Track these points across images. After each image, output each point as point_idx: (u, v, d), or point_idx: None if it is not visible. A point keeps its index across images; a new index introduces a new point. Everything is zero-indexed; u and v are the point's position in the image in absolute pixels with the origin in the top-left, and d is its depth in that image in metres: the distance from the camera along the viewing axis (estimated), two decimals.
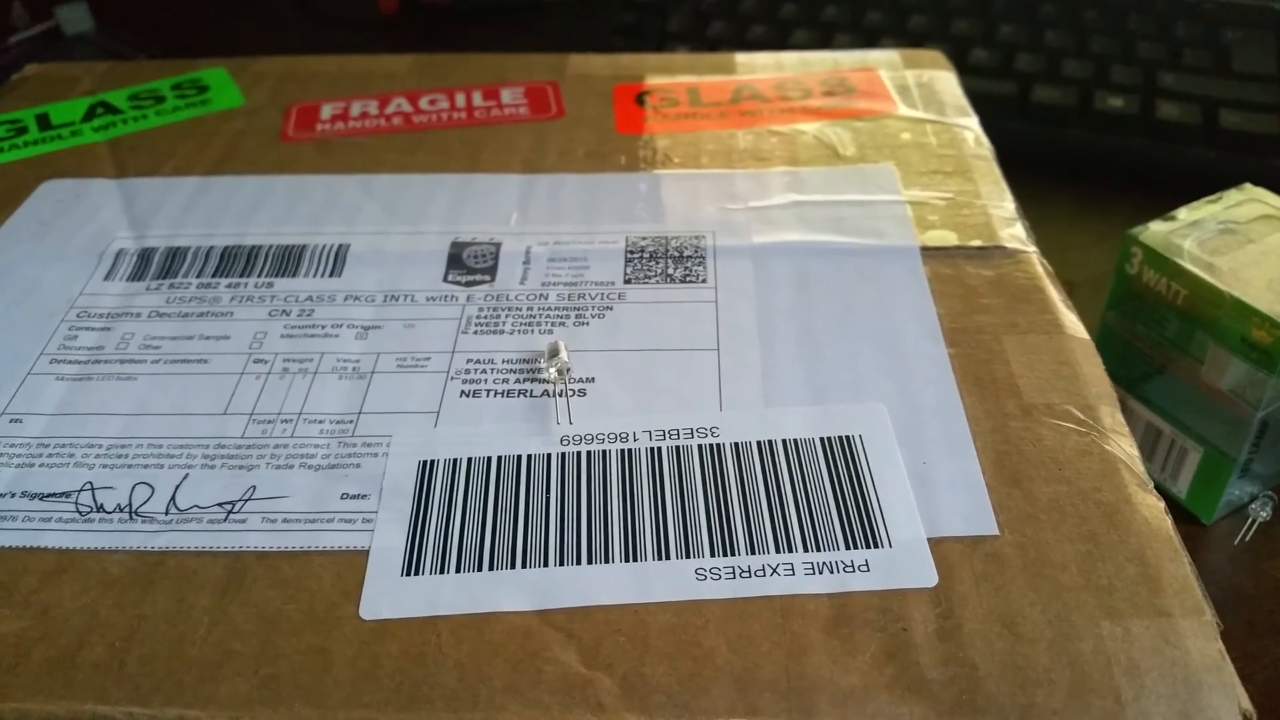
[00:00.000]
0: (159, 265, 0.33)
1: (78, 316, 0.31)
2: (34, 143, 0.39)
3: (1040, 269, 0.31)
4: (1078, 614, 0.22)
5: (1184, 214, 0.34)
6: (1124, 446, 0.26)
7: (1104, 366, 0.28)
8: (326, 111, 0.40)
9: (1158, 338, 0.34)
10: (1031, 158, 0.49)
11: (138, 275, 0.32)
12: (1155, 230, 0.33)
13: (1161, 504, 0.24)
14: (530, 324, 0.30)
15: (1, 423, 0.27)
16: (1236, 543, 0.34)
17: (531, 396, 0.28)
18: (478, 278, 0.32)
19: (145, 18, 0.70)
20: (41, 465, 0.26)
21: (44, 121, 0.40)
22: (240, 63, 0.43)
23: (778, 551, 0.24)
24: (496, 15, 0.67)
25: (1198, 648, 0.21)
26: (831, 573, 0.23)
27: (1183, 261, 0.32)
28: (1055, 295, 0.30)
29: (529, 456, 0.26)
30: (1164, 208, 0.34)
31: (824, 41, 0.56)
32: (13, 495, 0.26)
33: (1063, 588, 0.23)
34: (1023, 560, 0.23)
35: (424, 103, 0.40)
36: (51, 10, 0.66)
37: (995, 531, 0.24)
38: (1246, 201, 0.34)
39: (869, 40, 0.55)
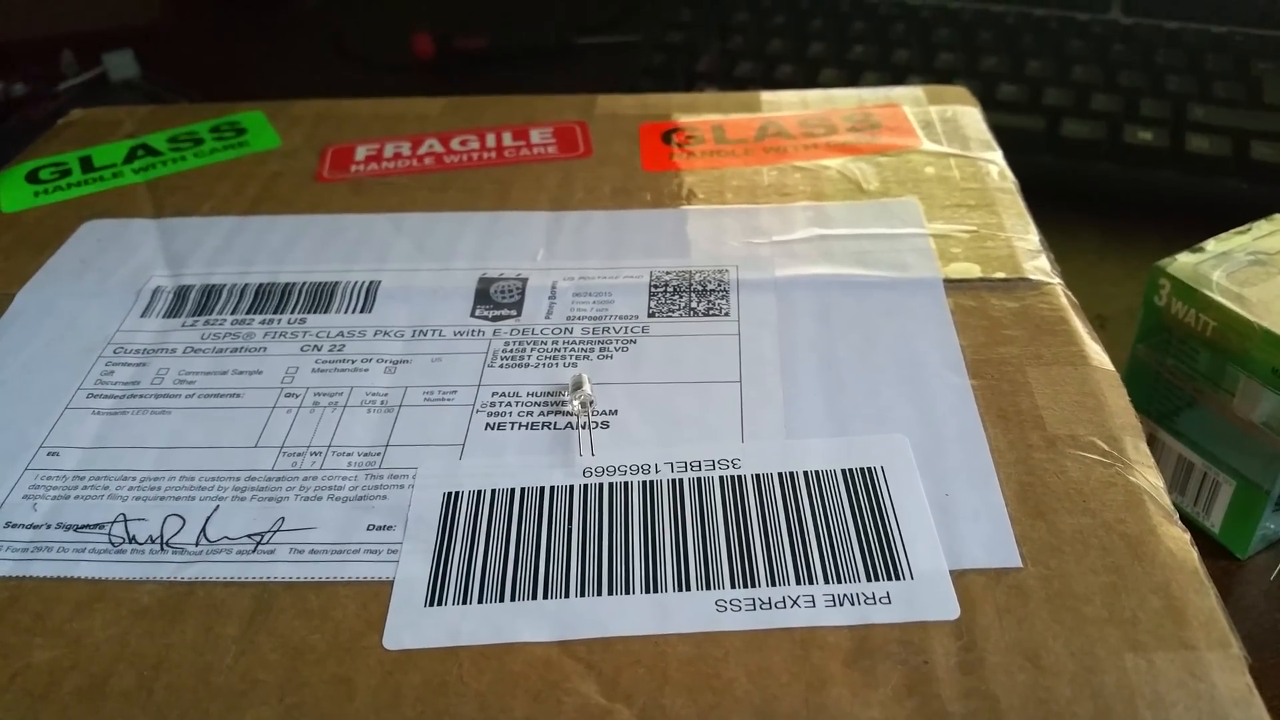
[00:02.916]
0: (195, 302, 0.33)
1: (114, 352, 0.31)
2: (77, 184, 0.40)
3: (1065, 300, 0.31)
4: (1101, 647, 0.22)
5: (1212, 245, 0.34)
6: (1148, 478, 0.26)
7: (1130, 398, 0.28)
8: (361, 153, 0.41)
9: (1188, 370, 0.34)
10: (1061, 192, 0.49)
11: (174, 312, 0.33)
12: (1183, 262, 0.33)
13: (1187, 536, 0.24)
14: (555, 358, 0.30)
15: (39, 456, 0.28)
16: (1273, 578, 0.34)
17: (555, 429, 0.28)
18: (504, 312, 0.32)
19: (189, 64, 0.71)
20: (77, 497, 0.27)
21: (87, 164, 0.41)
22: (277, 106, 0.44)
23: (798, 583, 0.24)
24: (529, 58, 0.69)
25: (1225, 681, 0.21)
26: (852, 605, 0.23)
27: (1211, 293, 0.32)
28: (1080, 326, 0.30)
29: (552, 488, 0.26)
30: (1195, 240, 0.34)
31: (852, 80, 0.56)
32: (49, 526, 0.26)
33: (1086, 620, 0.22)
34: (1046, 592, 0.23)
35: (455, 143, 0.41)
36: (99, 57, 0.68)
37: (1018, 563, 0.24)
38: (1276, 232, 0.34)
39: (897, 78, 0.56)
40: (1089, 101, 0.53)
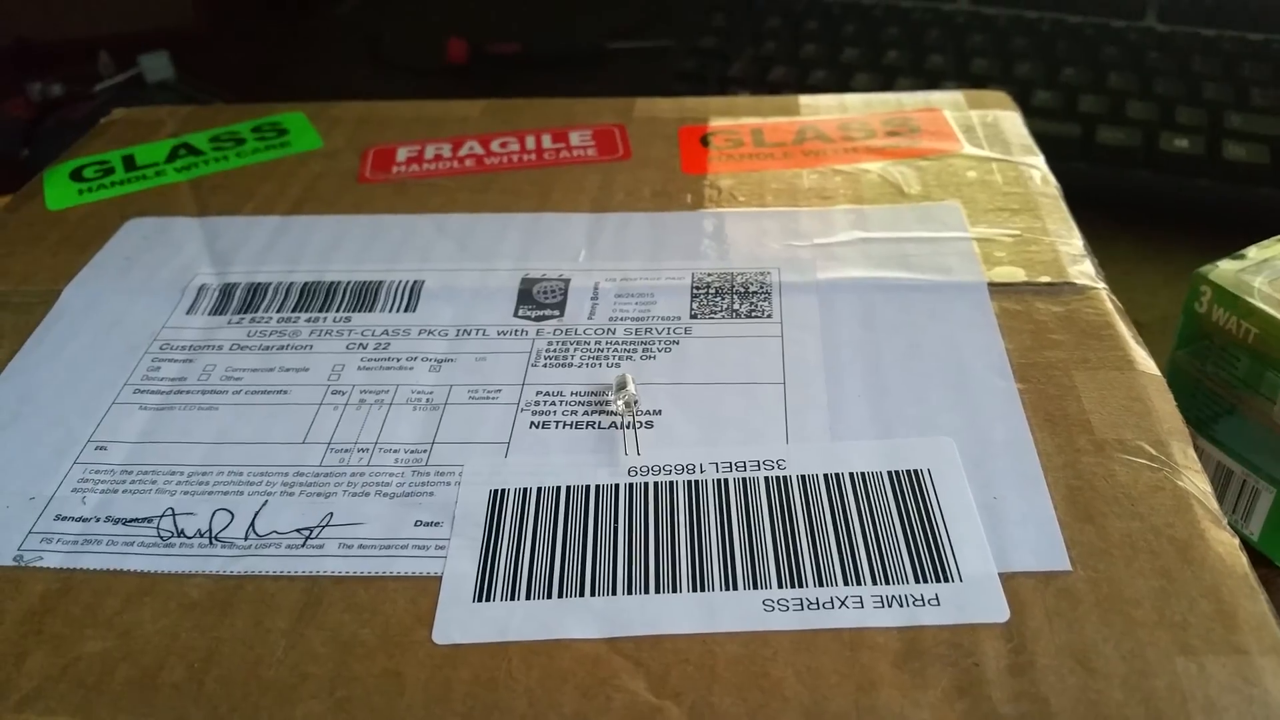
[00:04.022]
0: (240, 300, 0.34)
1: (161, 348, 0.32)
2: (120, 182, 0.40)
3: (1110, 305, 0.31)
4: (1151, 650, 0.22)
5: (1254, 252, 0.34)
6: (1196, 483, 0.25)
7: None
8: (402, 154, 0.41)
9: (1228, 377, 0.33)
10: (1096, 199, 0.49)
11: (219, 309, 0.33)
12: (1225, 269, 0.33)
13: (1235, 540, 0.24)
14: (598, 357, 0.30)
15: (87, 450, 0.28)
16: None
17: (599, 428, 0.28)
18: (547, 313, 0.32)
19: (223, 67, 0.72)
20: (125, 491, 0.27)
21: (129, 162, 0.41)
22: (318, 107, 0.44)
23: (846, 584, 0.24)
24: (561, 64, 0.69)
25: (1278, 687, 0.21)
26: (901, 606, 0.23)
27: (1253, 300, 0.32)
28: (1126, 331, 0.30)
29: (597, 487, 0.26)
30: (1231, 248, 0.34)
31: (886, 85, 0.56)
32: (98, 520, 0.26)
33: (1136, 624, 0.22)
34: (1095, 596, 0.23)
35: (495, 145, 0.41)
36: (135, 59, 0.68)
37: (1067, 567, 0.24)
38: None
39: (931, 83, 0.56)
40: (1124, 109, 0.53)
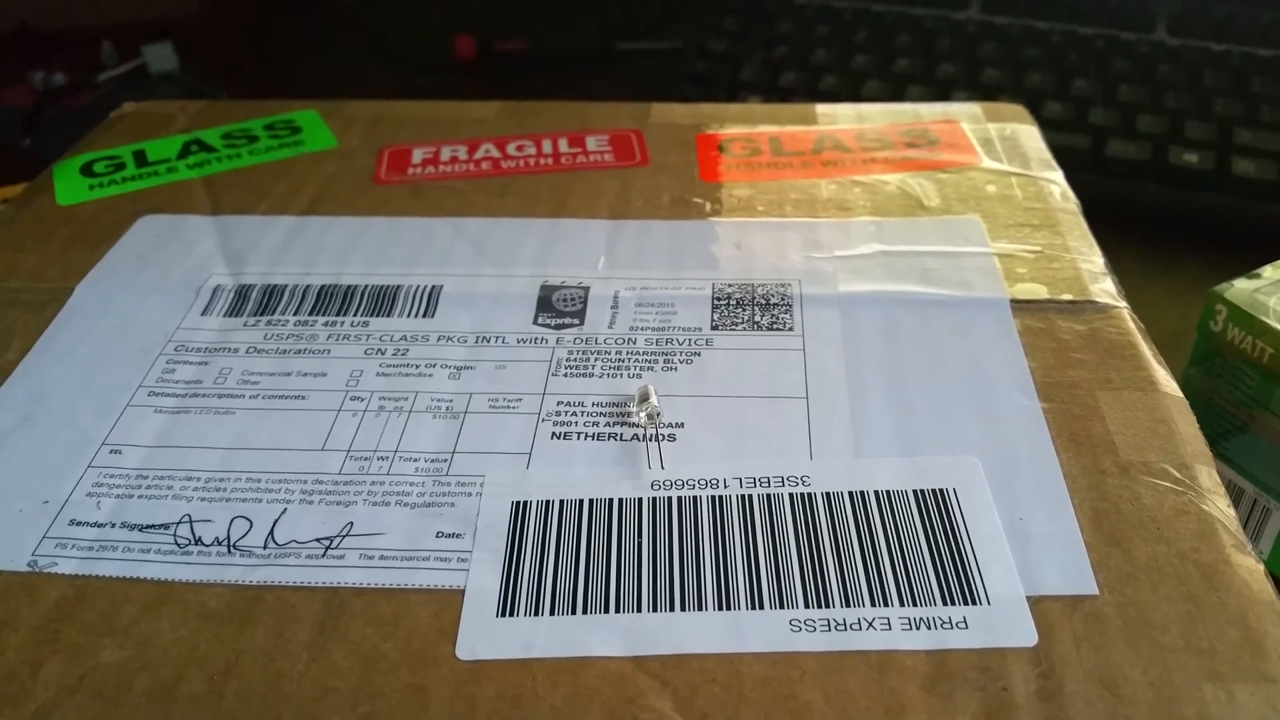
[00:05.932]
0: (256, 302, 0.33)
1: (175, 350, 0.31)
2: (131, 178, 0.40)
3: (1132, 324, 0.31)
4: (1179, 677, 0.22)
5: (1269, 271, 0.34)
6: (1221, 507, 0.25)
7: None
8: (417, 155, 0.40)
9: (1240, 395, 0.33)
10: (1105, 212, 0.49)
11: (235, 311, 0.33)
12: (1240, 287, 0.33)
13: (1261, 567, 0.24)
14: (619, 368, 0.30)
15: (101, 453, 0.28)
16: None
17: (621, 440, 0.28)
18: (567, 321, 0.32)
19: (227, 59, 0.71)
20: (140, 496, 0.27)
21: (141, 158, 0.41)
22: (331, 105, 0.44)
23: (873, 605, 0.23)
24: (570, 63, 0.69)
25: None
26: (929, 629, 0.23)
27: (1268, 319, 0.32)
28: (1148, 352, 0.30)
29: (620, 500, 0.26)
30: (1240, 264, 0.34)
31: (896, 93, 0.56)
32: (113, 525, 0.26)
33: (1164, 649, 0.22)
34: (1123, 620, 0.23)
35: (511, 148, 0.41)
36: (138, 49, 0.68)
37: (1095, 591, 0.24)
38: None
39: (941, 92, 0.56)
40: (1134, 122, 0.53)
